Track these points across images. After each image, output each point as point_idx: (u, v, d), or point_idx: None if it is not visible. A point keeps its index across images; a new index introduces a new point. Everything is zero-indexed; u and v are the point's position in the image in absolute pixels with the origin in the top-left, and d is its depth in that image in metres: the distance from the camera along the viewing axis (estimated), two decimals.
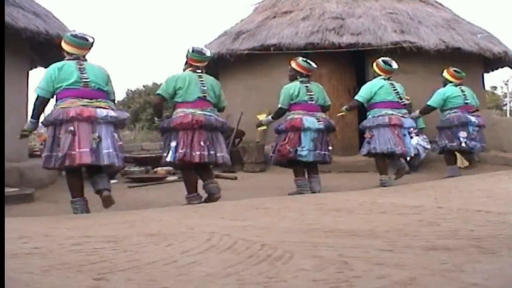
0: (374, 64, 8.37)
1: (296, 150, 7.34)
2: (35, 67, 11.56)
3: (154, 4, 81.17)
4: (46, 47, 9.81)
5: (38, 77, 6.00)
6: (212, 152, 6.32)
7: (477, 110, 8.96)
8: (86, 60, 5.99)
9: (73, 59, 5.86)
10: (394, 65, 8.26)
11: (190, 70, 6.65)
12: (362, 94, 8.20)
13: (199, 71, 6.66)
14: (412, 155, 8.69)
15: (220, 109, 6.88)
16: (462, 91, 8.88)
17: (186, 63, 6.79)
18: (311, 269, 2.39)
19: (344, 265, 2.43)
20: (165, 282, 2.23)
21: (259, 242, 2.96)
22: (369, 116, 8.10)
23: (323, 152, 7.49)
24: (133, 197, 7.86)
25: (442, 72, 9.20)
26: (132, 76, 61.37)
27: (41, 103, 5.90)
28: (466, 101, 8.82)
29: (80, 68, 5.78)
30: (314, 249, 2.82)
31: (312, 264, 2.47)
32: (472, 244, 2.83)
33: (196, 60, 6.65)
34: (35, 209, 6.83)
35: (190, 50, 6.65)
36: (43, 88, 5.78)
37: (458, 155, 9.52)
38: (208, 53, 6.79)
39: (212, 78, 6.85)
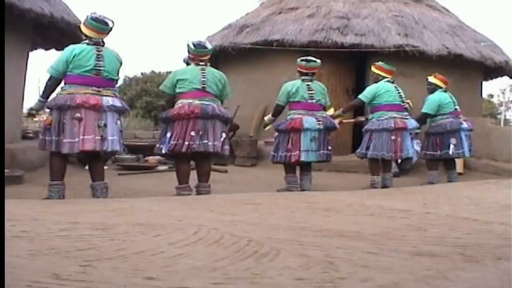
0: (374, 67, 8.37)
1: (301, 153, 7.35)
2: (36, 48, 11.53)
3: None
4: (49, 29, 9.81)
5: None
6: (205, 141, 6.26)
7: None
8: (104, 45, 5.94)
9: (93, 44, 5.80)
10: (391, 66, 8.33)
11: (194, 64, 6.65)
12: (367, 94, 8.15)
13: (202, 63, 6.65)
14: (411, 156, 8.68)
15: (223, 101, 6.89)
16: (450, 97, 8.89)
17: (189, 57, 6.81)
18: (297, 267, 2.40)
19: (330, 265, 2.45)
20: (152, 272, 2.24)
21: (247, 238, 2.97)
22: (373, 119, 8.08)
23: (325, 152, 7.50)
24: (122, 184, 7.84)
25: (427, 78, 9.16)
26: (131, 63, 61.30)
27: (53, 83, 5.87)
28: (456, 107, 8.85)
29: (98, 55, 5.74)
30: (301, 247, 2.83)
31: (298, 263, 2.48)
32: (457, 252, 2.85)
33: (200, 55, 6.63)
34: (23, 191, 6.81)
35: (192, 46, 6.62)
36: (57, 69, 5.74)
37: (457, 160, 9.58)
38: (209, 46, 6.75)
39: (216, 70, 6.83)
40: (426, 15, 13.93)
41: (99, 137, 5.55)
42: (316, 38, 12.53)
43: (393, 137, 7.83)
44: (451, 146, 8.55)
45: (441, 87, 8.87)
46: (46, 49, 11.74)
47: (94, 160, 6.01)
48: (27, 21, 9.17)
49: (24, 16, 8.71)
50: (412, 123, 8.09)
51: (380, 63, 8.36)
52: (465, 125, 8.65)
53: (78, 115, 5.48)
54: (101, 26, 5.85)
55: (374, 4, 13.92)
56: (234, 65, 13.79)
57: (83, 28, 5.88)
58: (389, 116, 7.90)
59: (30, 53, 10.56)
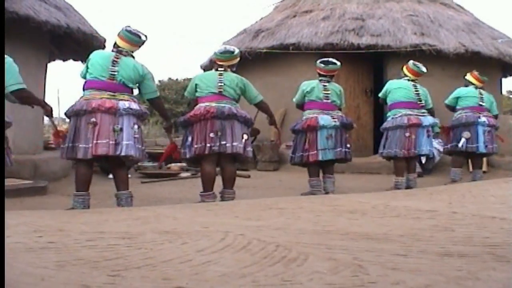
0: (404, 67, 8.40)
1: (319, 152, 7.36)
2: (54, 60, 11.62)
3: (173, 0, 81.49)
4: (65, 40, 9.88)
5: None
6: (223, 142, 6.28)
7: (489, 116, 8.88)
8: (129, 55, 5.98)
9: (116, 51, 5.90)
10: (423, 68, 8.28)
11: (214, 69, 6.72)
12: (383, 90, 8.43)
13: (221, 69, 6.67)
14: (425, 153, 8.61)
15: (258, 105, 7.04)
16: (480, 94, 8.84)
17: (214, 63, 6.90)
18: (326, 272, 2.38)
19: (359, 269, 2.42)
20: (180, 281, 2.23)
21: (274, 243, 2.95)
22: (389, 118, 8.12)
23: (344, 150, 7.49)
24: (146, 192, 7.87)
25: (465, 75, 9.17)
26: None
27: None
28: (481, 104, 8.80)
29: (114, 60, 5.81)
30: (329, 251, 2.81)
31: (327, 267, 2.46)
32: (487, 251, 2.82)
33: (221, 59, 6.71)
34: (48, 201, 6.86)
35: (216, 51, 6.79)
36: (82, 72, 5.97)
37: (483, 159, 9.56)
38: (233, 51, 6.83)
39: (235, 75, 6.81)
40: (441, 14, 13.89)
41: (113, 142, 5.55)
42: (332, 40, 12.56)
43: (407, 134, 7.86)
44: (462, 140, 8.52)
45: (473, 84, 8.88)
46: (64, 60, 11.83)
47: (117, 168, 6.00)
48: (44, 33, 9.28)
49: (41, 28, 8.82)
50: (428, 120, 8.06)
51: (410, 62, 8.36)
52: (483, 119, 8.60)
53: (93, 119, 5.52)
54: (135, 38, 5.98)
55: (388, 4, 13.93)
56: (251, 70, 13.79)
57: (117, 40, 5.98)
58: (403, 113, 7.93)
59: (48, 65, 10.64)
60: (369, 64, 13.08)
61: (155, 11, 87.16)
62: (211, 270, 2.42)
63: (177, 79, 29.11)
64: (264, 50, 13.07)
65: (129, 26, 6.03)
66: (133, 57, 6.04)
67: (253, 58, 13.38)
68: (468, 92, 8.83)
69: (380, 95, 8.50)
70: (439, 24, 13.32)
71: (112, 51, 5.94)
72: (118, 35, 5.97)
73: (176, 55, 75.82)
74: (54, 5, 9.40)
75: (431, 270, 2.43)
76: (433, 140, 9.80)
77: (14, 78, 5.41)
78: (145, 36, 6.05)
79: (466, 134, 8.54)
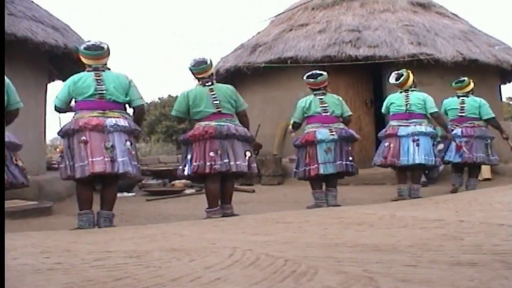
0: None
1: (319, 166, 7.38)
2: (53, 80, 11.64)
3: (171, 17, 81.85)
4: (64, 60, 9.90)
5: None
6: (225, 161, 6.28)
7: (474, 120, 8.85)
8: (106, 69, 5.98)
9: (92, 70, 5.87)
10: (392, 80, 8.45)
11: (200, 84, 6.65)
12: (383, 107, 8.65)
13: (209, 83, 6.64)
14: (412, 162, 8.44)
15: (241, 114, 6.83)
16: (462, 103, 8.81)
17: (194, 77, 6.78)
18: (337, 285, 2.35)
19: (370, 281, 2.40)
20: None
21: (282, 258, 2.93)
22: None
23: (344, 163, 7.47)
24: (151, 210, 7.87)
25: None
26: (148, 89, 61.70)
27: (60, 111, 6.16)
28: (461, 114, 8.78)
29: (97, 79, 5.79)
30: (338, 264, 2.79)
31: (338, 280, 2.43)
32: (497, 259, 2.79)
33: (197, 73, 6.64)
34: (54, 222, 6.85)
35: (190, 66, 6.64)
36: (60, 99, 5.95)
37: (485, 166, 9.53)
38: (207, 60, 6.68)
39: (225, 86, 6.85)
40: (436, 23, 13.94)
41: (108, 159, 5.53)
42: (330, 53, 12.60)
43: (386, 144, 8.12)
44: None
45: (458, 94, 8.87)
46: (63, 80, 11.82)
47: (107, 187, 5.97)
48: (42, 54, 9.30)
49: (39, 49, 8.85)
50: (408, 129, 7.94)
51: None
52: (457, 131, 8.65)
53: (83, 138, 5.53)
54: (95, 52, 5.91)
55: (384, 15, 13.98)
56: (250, 85, 13.83)
57: (82, 59, 5.96)
58: (389, 125, 8.24)
59: (48, 85, 10.67)
60: (368, 75, 13.09)
61: (154, 12, 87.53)
62: (221, 287, 2.40)
63: (176, 96, 29.17)
64: (263, 65, 13.08)
65: (88, 41, 6.06)
66: (109, 69, 6.03)
67: (251, 73, 13.41)
68: (451, 104, 8.84)
69: (383, 111, 8.74)
70: (435, 33, 13.35)
71: (88, 71, 5.91)
72: (80, 55, 5.95)
73: (174, 72, 76.05)
74: (52, 26, 9.43)
75: (442, 281, 2.40)
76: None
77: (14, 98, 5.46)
78: (106, 44, 5.99)
79: (440, 146, 8.55)
